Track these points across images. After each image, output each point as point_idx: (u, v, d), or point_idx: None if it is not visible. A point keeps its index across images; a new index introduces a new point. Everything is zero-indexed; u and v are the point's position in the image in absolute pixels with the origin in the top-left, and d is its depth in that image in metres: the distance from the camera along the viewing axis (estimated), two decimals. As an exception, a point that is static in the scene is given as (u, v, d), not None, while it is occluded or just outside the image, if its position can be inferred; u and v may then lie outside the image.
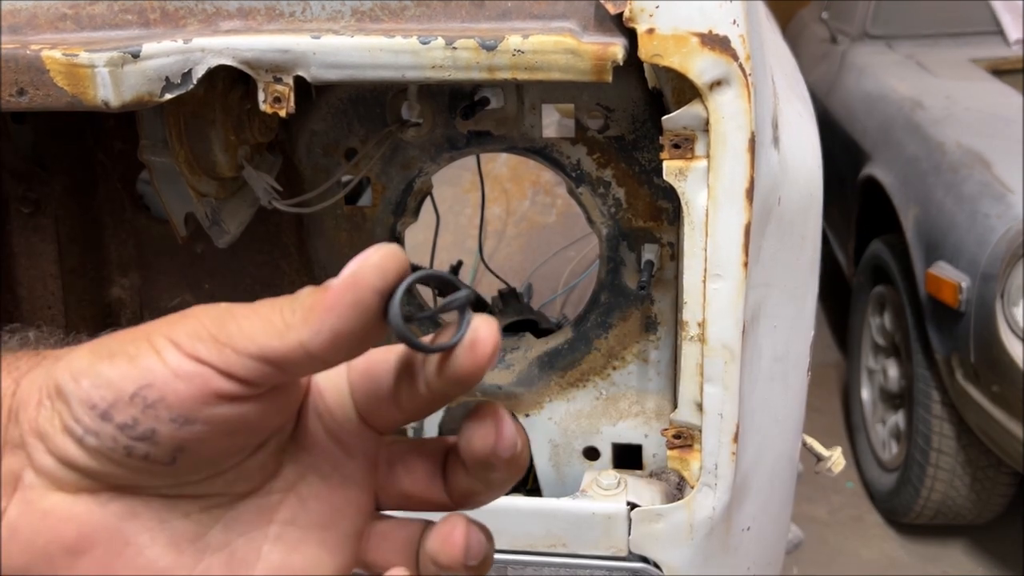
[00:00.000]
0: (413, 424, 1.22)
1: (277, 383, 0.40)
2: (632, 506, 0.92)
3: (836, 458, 1.22)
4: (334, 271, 1.36)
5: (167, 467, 0.39)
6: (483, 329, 0.40)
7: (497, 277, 1.66)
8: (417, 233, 1.27)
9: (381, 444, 0.46)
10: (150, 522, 0.40)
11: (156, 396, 0.37)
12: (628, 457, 1.17)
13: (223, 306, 0.39)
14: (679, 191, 0.82)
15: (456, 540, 0.43)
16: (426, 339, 0.42)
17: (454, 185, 2.26)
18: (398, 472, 0.46)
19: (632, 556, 0.93)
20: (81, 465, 0.39)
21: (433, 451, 0.46)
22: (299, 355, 0.38)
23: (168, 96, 0.83)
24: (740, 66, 0.77)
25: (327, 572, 0.44)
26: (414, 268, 0.48)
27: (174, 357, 0.38)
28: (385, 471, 0.46)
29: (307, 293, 0.39)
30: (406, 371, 0.43)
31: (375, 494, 0.47)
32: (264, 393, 0.40)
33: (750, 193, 0.81)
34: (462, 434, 0.43)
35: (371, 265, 0.39)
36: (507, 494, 1.11)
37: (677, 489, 0.98)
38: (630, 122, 1.04)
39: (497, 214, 2.35)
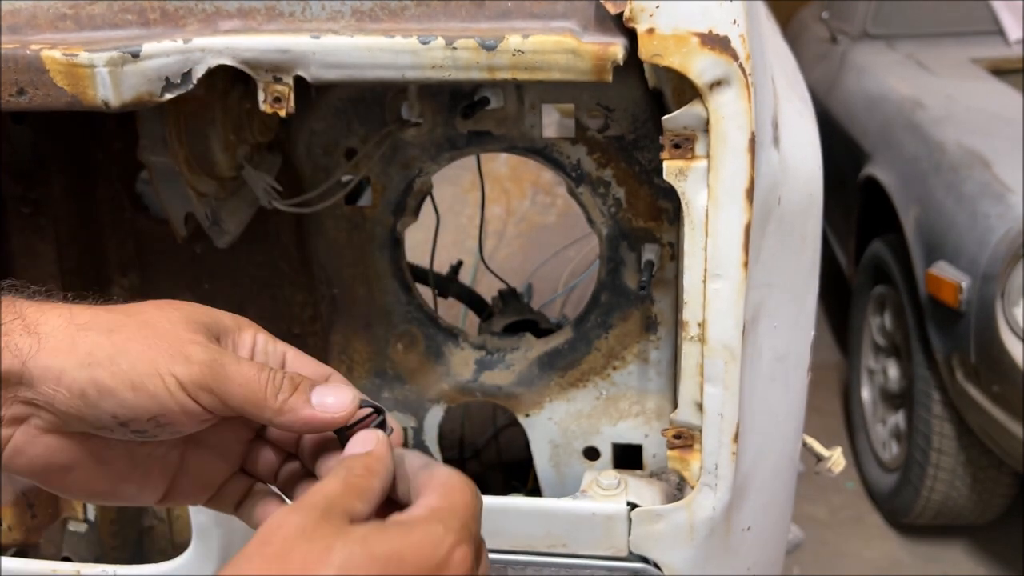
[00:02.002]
0: (412, 424, 1.22)
1: None
2: (632, 506, 0.92)
3: (836, 458, 1.22)
4: (333, 271, 1.34)
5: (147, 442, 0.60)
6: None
7: (497, 277, 1.65)
8: (417, 233, 1.27)
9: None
10: (117, 448, 0.59)
11: (167, 422, 0.56)
12: (628, 457, 1.17)
13: (217, 357, 0.56)
14: (679, 191, 0.82)
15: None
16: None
17: (454, 185, 2.26)
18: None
19: (632, 556, 0.93)
20: (81, 431, 0.57)
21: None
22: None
23: (168, 96, 0.83)
24: (740, 66, 0.77)
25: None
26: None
27: (182, 398, 0.56)
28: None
29: (288, 388, 0.58)
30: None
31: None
32: None
33: (750, 193, 0.81)
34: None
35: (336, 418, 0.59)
36: (507, 495, 1.11)
37: (677, 489, 0.98)
38: (630, 122, 1.04)
39: (497, 214, 2.35)
